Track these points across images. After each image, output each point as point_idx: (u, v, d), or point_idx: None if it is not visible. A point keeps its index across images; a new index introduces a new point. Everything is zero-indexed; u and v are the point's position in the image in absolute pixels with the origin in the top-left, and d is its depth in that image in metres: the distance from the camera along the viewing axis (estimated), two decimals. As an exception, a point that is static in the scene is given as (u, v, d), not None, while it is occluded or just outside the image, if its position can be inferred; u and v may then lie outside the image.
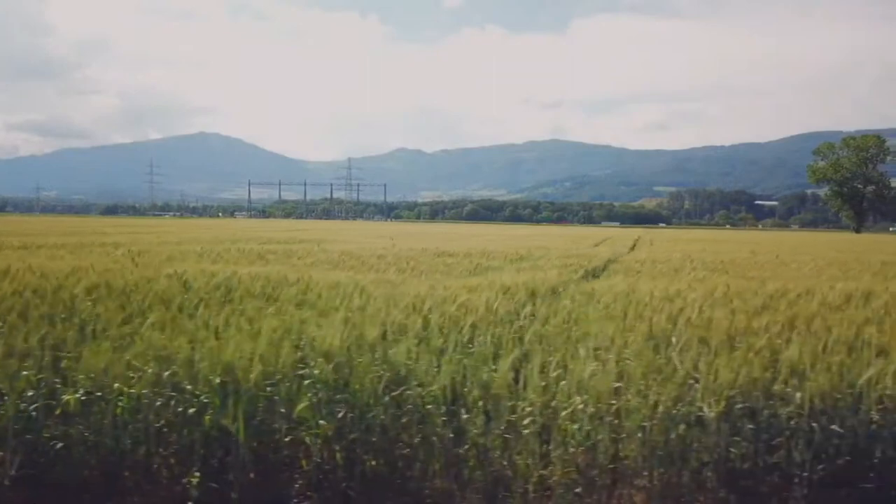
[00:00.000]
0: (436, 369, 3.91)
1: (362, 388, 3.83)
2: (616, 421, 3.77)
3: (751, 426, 3.70)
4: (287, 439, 3.81)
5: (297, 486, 3.82)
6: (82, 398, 3.80)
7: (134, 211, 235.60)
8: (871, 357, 4.03)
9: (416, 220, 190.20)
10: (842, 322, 4.98)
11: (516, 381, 3.95)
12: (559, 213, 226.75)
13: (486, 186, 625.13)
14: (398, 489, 3.81)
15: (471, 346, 4.51)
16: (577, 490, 3.74)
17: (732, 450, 3.69)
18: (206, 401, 3.80)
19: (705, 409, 3.73)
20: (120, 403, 3.81)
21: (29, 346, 4.06)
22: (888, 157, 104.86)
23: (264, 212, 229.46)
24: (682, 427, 3.71)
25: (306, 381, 3.89)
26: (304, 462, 3.84)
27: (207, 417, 3.77)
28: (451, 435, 3.80)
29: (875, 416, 3.71)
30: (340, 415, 3.81)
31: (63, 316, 4.88)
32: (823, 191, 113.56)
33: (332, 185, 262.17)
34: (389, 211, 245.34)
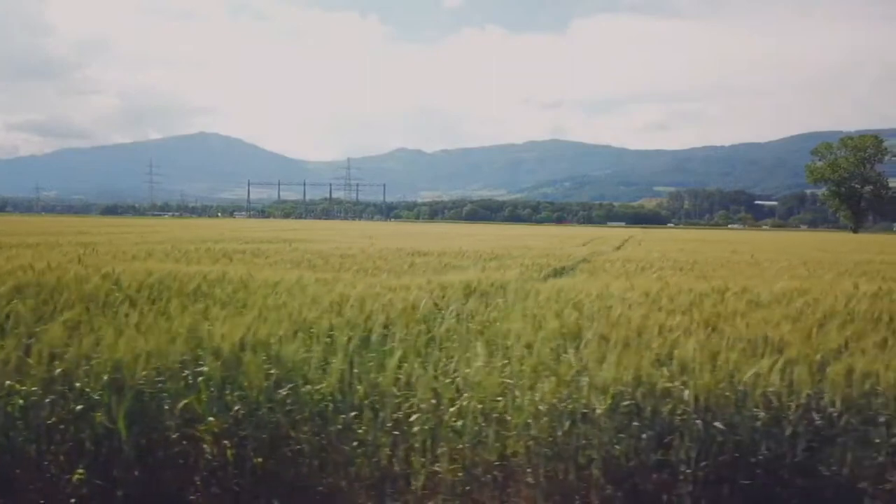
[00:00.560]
0: (325, 368, 3.92)
1: (251, 386, 3.84)
2: (503, 417, 3.79)
3: (636, 423, 3.72)
4: (175, 436, 3.82)
5: (186, 483, 3.83)
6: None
7: (134, 211, 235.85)
8: (765, 354, 4.04)
9: (415, 221, 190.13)
10: (757, 321, 4.99)
11: (409, 379, 3.96)
12: (559, 214, 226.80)
13: (485, 186, 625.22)
14: (288, 485, 3.83)
15: (377, 344, 4.51)
16: (467, 487, 3.76)
17: (617, 446, 3.70)
18: (96, 398, 3.81)
19: (594, 405, 3.74)
20: (11, 401, 3.83)
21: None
22: (886, 157, 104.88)
23: (263, 212, 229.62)
24: (567, 424, 3.72)
25: (200, 379, 3.91)
26: (194, 459, 3.85)
27: (98, 415, 3.78)
28: (339, 432, 3.80)
29: (759, 413, 3.72)
30: (232, 412, 3.83)
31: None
32: (821, 191, 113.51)
33: (331, 185, 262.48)
34: (389, 211, 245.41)
